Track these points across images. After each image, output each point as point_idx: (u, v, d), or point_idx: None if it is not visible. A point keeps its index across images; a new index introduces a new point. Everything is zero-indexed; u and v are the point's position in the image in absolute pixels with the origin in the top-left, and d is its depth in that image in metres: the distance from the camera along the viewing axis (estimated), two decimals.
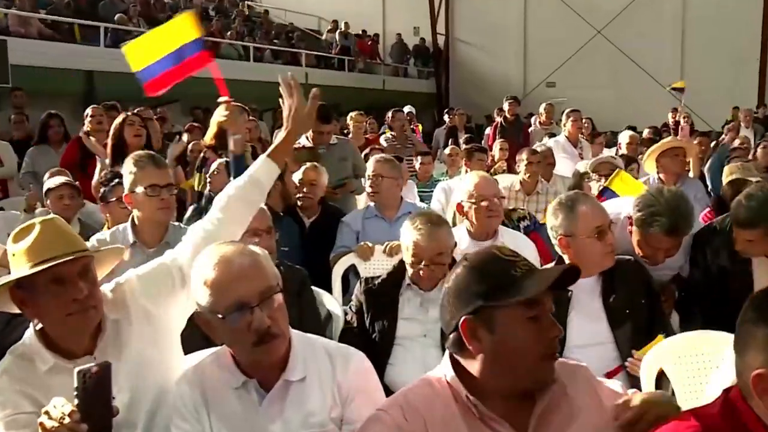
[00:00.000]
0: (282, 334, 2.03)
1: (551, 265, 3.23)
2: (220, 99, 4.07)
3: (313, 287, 3.64)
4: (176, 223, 3.79)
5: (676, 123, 10.93)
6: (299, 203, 5.10)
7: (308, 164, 5.14)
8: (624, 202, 3.74)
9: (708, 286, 3.58)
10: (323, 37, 24.30)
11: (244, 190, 2.52)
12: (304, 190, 5.09)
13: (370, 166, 5.01)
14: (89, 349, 2.21)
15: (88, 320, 2.18)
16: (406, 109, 12.09)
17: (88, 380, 1.81)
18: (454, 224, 4.22)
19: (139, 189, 3.49)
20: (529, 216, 4.73)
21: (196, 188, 5.91)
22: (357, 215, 4.96)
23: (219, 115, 4.08)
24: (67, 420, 1.77)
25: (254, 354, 2.00)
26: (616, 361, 3.08)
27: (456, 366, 1.81)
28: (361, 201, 6.22)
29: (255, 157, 5.74)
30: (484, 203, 3.91)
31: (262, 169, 2.56)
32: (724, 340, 2.68)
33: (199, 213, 4.86)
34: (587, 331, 3.10)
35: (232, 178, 4.25)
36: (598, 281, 3.18)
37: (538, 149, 6.86)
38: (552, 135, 9.76)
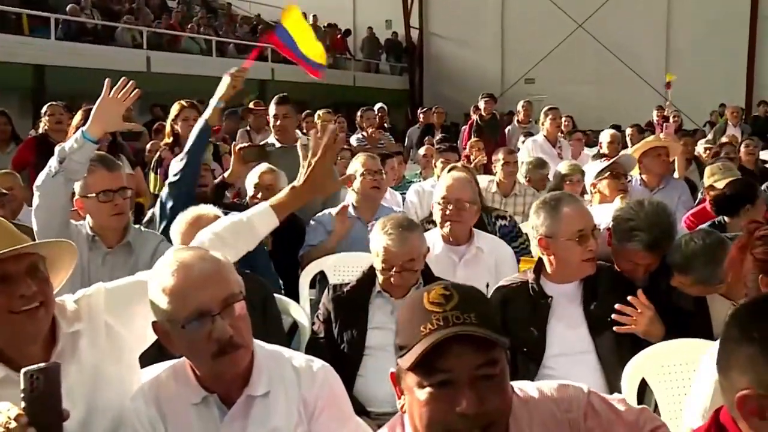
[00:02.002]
0: (245, 344, 2.02)
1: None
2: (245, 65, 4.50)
3: (277, 296, 3.63)
4: (136, 226, 3.77)
5: (664, 119, 11.03)
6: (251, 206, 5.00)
7: (265, 167, 5.05)
8: (604, 213, 3.76)
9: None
10: None
11: (236, 233, 2.47)
12: (260, 195, 4.89)
13: (360, 162, 4.88)
14: (43, 361, 2.19)
15: (37, 321, 2.12)
16: (377, 106, 12.10)
17: (36, 381, 1.78)
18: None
19: (92, 194, 3.48)
20: (509, 218, 4.74)
21: (152, 190, 5.86)
22: (331, 215, 4.84)
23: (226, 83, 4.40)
24: (13, 424, 1.72)
25: (215, 366, 1.99)
26: (597, 371, 3.10)
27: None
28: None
29: (216, 156, 5.69)
30: (449, 205, 3.91)
31: (261, 218, 2.50)
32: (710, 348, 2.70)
33: (160, 217, 4.85)
34: (567, 339, 3.13)
35: (184, 152, 4.22)
36: (579, 287, 3.21)
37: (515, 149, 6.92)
38: (529, 134, 9.82)
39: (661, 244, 3.30)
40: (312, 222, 4.84)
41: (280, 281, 4.55)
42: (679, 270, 3.19)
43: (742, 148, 8.17)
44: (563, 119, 11.94)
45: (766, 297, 1.84)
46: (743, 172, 6.20)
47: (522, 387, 1.79)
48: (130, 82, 3.51)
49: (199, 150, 4.33)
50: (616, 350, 3.08)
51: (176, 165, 4.31)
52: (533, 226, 3.24)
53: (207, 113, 4.38)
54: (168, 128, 5.84)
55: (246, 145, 5.45)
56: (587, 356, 3.12)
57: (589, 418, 1.78)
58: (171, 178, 4.30)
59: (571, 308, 3.18)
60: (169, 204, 4.20)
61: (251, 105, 10.00)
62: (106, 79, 3.53)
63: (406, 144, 12.44)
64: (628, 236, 3.33)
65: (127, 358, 2.34)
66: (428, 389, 1.55)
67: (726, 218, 4.37)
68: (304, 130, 8.36)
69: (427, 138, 11.47)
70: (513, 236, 4.56)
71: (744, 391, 1.45)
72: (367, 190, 4.76)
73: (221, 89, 4.40)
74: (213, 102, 4.38)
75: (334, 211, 4.70)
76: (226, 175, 5.02)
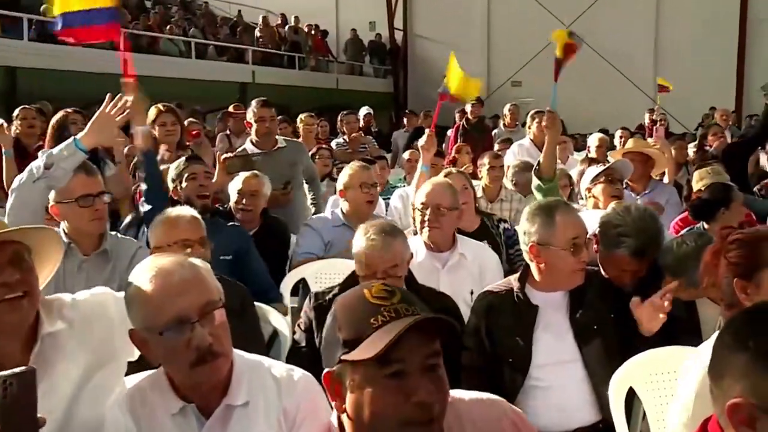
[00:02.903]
0: (224, 353, 2.03)
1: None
2: (124, 80, 4.09)
3: (257, 303, 3.63)
4: (113, 233, 3.77)
5: (654, 123, 11.11)
6: (238, 215, 4.97)
7: (248, 173, 5.04)
8: (590, 218, 3.80)
9: None
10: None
11: None
12: (244, 201, 4.97)
13: (355, 174, 4.80)
14: (22, 363, 2.17)
15: (19, 311, 2.13)
16: (363, 110, 12.10)
17: (9, 388, 1.77)
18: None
19: (70, 200, 3.47)
20: (510, 224, 4.80)
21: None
22: (326, 222, 4.84)
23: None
24: None
25: (194, 375, 2.00)
26: (584, 380, 3.11)
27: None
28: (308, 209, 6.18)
29: (195, 157, 5.66)
30: (427, 211, 3.91)
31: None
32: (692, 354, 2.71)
33: (138, 222, 4.83)
34: (554, 348, 3.14)
35: (143, 182, 4.22)
36: (566, 296, 3.21)
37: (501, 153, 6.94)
38: (508, 140, 9.88)
39: (648, 250, 3.36)
40: (306, 227, 4.82)
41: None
42: (672, 272, 3.24)
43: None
44: None
45: (760, 305, 1.87)
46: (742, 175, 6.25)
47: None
48: (124, 101, 3.63)
49: (153, 176, 4.30)
50: (603, 359, 3.09)
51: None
52: (525, 231, 3.23)
53: (136, 140, 4.34)
54: None
55: (230, 156, 5.46)
56: (574, 366, 3.12)
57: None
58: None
59: (558, 317, 3.18)
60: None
61: (231, 108, 9.98)
62: (108, 94, 3.65)
63: (392, 148, 12.45)
64: (615, 242, 3.39)
65: (114, 367, 2.34)
66: (382, 381, 1.58)
67: (705, 224, 4.40)
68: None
69: (414, 143, 11.41)
70: (515, 240, 4.58)
71: (735, 399, 1.46)
72: (361, 205, 4.73)
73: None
74: (133, 129, 4.29)
75: (327, 214, 4.72)
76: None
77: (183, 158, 4.87)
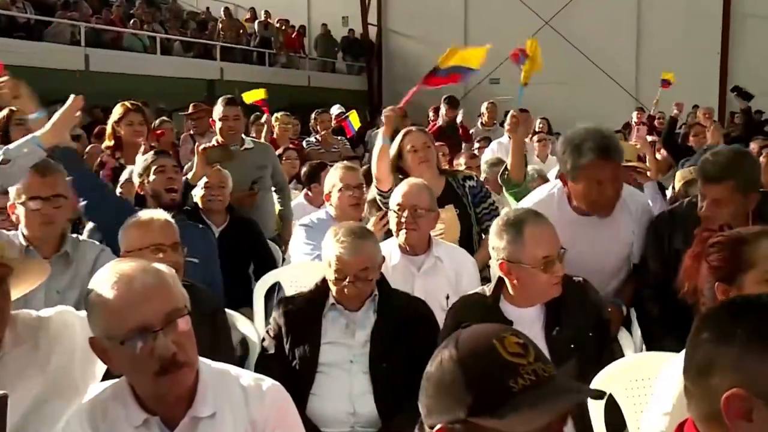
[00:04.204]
0: (189, 362, 2.01)
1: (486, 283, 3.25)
2: None
3: (225, 309, 3.61)
4: (74, 236, 3.73)
5: (642, 124, 11.24)
6: (208, 206, 4.99)
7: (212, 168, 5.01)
8: (545, 187, 3.93)
9: (665, 275, 3.59)
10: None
11: None
12: (213, 193, 4.99)
13: (339, 176, 4.76)
14: None
15: None
16: (335, 108, 12.09)
17: None
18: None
19: (20, 201, 3.45)
20: (476, 178, 4.87)
21: None
22: (325, 223, 4.59)
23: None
24: None
25: (157, 386, 1.98)
26: None
27: None
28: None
29: (163, 151, 5.63)
30: (404, 213, 3.91)
31: None
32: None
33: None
34: None
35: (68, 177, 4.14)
36: (542, 310, 3.19)
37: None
38: (486, 139, 9.94)
39: (612, 147, 3.53)
40: (305, 227, 4.74)
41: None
42: (714, 180, 3.37)
43: (762, 158, 7.99)
44: (538, 122, 12.05)
45: (736, 298, 1.89)
46: None
47: None
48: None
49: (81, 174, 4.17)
50: (579, 378, 3.08)
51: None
52: (494, 247, 3.17)
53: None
54: (109, 130, 5.79)
55: (209, 145, 5.42)
56: None
57: None
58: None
59: (532, 333, 3.12)
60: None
61: (191, 108, 9.90)
62: (71, 95, 3.68)
63: (369, 147, 12.43)
64: (578, 153, 3.51)
65: (73, 397, 2.32)
66: None
67: None
68: (252, 134, 8.33)
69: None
70: (482, 197, 4.69)
71: (731, 390, 1.47)
72: (345, 207, 4.69)
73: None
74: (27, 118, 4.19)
75: (321, 215, 4.71)
76: (189, 176, 4.98)
77: (150, 152, 4.84)
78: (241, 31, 22.76)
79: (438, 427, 1.50)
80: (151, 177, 4.55)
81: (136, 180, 4.65)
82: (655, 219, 3.85)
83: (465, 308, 3.25)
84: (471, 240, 4.58)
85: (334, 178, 4.75)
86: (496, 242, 3.16)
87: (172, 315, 1.98)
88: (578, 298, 3.23)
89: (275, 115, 9.05)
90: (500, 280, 3.22)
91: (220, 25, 22.13)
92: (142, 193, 4.59)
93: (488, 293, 3.23)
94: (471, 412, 1.46)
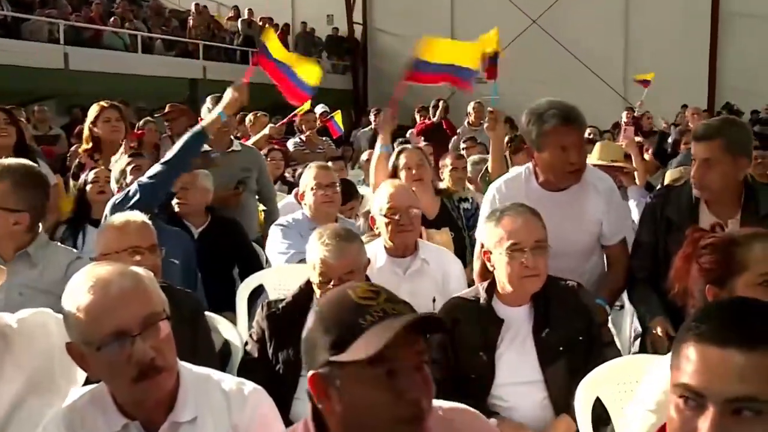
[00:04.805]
0: (168, 367, 2.01)
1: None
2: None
3: (207, 313, 3.60)
4: (45, 238, 3.70)
5: (630, 123, 11.30)
6: (180, 209, 5.00)
7: None
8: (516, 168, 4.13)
9: (654, 245, 3.74)
10: (223, 26, 24.06)
11: None
12: (178, 195, 4.99)
13: (312, 174, 4.76)
14: None
15: None
16: (319, 108, 12.09)
17: None
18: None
19: None
20: (471, 200, 4.87)
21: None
22: (302, 223, 4.74)
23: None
24: None
25: (135, 391, 1.98)
26: (546, 403, 3.13)
27: (320, 418, 1.79)
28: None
29: (139, 153, 5.62)
30: (396, 216, 3.88)
31: None
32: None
33: (74, 230, 4.76)
34: (515, 367, 3.15)
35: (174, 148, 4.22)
36: (531, 310, 3.21)
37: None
38: (472, 139, 9.96)
39: (574, 114, 3.67)
40: (280, 227, 4.74)
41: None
42: (704, 137, 3.48)
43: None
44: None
45: (733, 298, 1.93)
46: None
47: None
48: None
49: (186, 155, 4.35)
50: (567, 382, 3.09)
51: (156, 167, 4.30)
52: (480, 238, 3.30)
53: (207, 121, 4.58)
54: (86, 132, 5.76)
55: None
56: (536, 387, 3.14)
57: None
58: (144, 180, 4.24)
59: (522, 333, 3.19)
60: (134, 199, 4.15)
61: (167, 108, 9.86)
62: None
63: (355, 147, 12.43)
64: (541, 120, 3.64)
65: (52, 398, 2.32)
66: (374, 380, 1.64)
67: None
68: (238, 134, 8.30)
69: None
70: (476, 219, 4.63)
71: None
72: (318, 206, 4.70)
73: (225, 101, 4.72)
74: (217, 111, 4.64)
75: (298, 216, 4.71)
76: None
77: (124, 155, 4.85)
78: (211, 26, 22.46)
79: (310, 374, 1.71)
80: (128, 178, 4.56)
81: (114, 186, 4.66)
82: (653, 195, 3.99)
83: (458, 306, 3.29)
84: (465, 263, 4.58)
85: (307, 177, 4.77)
86: (481, 232, 3.31)
87: (149, 319, 1.97)
88: (570, 301, 3.25)
89: (249, 115, 9.04)
90: (493, 280, 3.27)
91: (191, 21, 21.88)
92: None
93: (482, 292, 3.26)
94: (331, 353, 1.67)
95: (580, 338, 3.18)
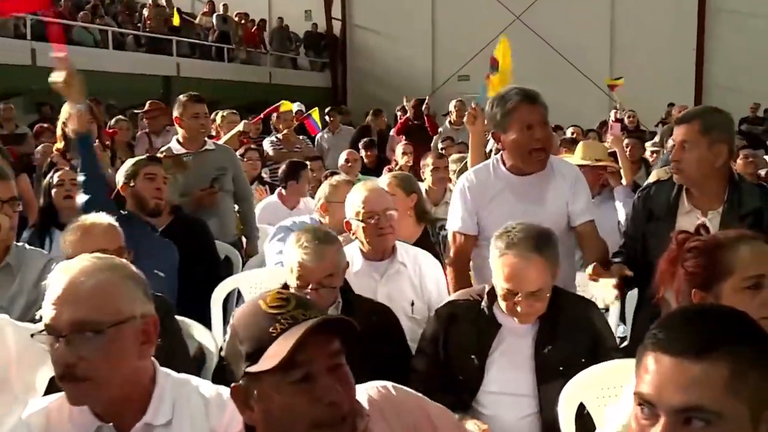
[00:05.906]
0: (90, 378, 1.96)
1: None
2: (54, 54, 4.07)
3: (180, 317, 3.55)
4: (19, 244, 3.71)
5: (616, 121, 11.37)
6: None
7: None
8: None
9: (635, 234, 3.84)
10: (197, 21, 23.94)
11: None
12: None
13: (341, 186, 4.65)
14: None
15: None
16: (294, 106, 12.07)
17: None
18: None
19: None
20: None
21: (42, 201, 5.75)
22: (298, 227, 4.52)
23: (54, 78, 4.04)
24: None
25: (64, 389, 2.00)
26: (535, 418, 3.12)
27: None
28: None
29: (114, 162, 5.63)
30: (372, 220, 3.83)
31: None
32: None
33: (41, 232, 4.75)
34: (507, 379, 3.13)
35: (79, 170, 4.17)
36: (537, 322, 3.18)
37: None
38: (450, 138, 10.00)
39: (533, 94, 3.85)
40: (287, 228, 4.68)
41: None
42: (683, 120, 3.61)
43: (739, 160, 8.02)
44: None
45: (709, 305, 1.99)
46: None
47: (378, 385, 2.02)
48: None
49: (89, 163, 4.23)
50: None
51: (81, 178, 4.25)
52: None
53: (71, 123, 4.33)
54: (59, 131, 5.76)
55: (164, 156, 5.41)
56: (527, 401, 3.13)
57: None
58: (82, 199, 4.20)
59: (521, 345, 3.16)
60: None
61: (147, 106, 9.84)
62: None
63: (318, 148, 12.41)
64: (504, 101, 3.81)
65: (8, 399, 2.32)
66: (290, 387, 1.71)
67: None
68: (213, 132, 8.28)
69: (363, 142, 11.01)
70: None
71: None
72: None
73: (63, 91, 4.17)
74: (70, 108, 4.31)
75: (305, 219, 4.69)
76: None
77: (144, 156, 4.85)
78: (167, 20, 22.00)
79: (232, 386, 1.79)
80: (139, 182, 4.62)
81: (120, 180, 4.69)
82: (640, 190, 4.04)
83: (459, 304, 3.30)
84: None
85: (334, 188, 4.68)
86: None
87: (81, 326, 1.95)
88: (581, 318, 3.23)
89: (219, 113, 9.01)
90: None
91: (146, 13, 21.09)
92: (123, 193, 4.65)
93: (484, 297, 3.23)
94: (246, 364, 1.74)
95: (583, 360, 3.12)
